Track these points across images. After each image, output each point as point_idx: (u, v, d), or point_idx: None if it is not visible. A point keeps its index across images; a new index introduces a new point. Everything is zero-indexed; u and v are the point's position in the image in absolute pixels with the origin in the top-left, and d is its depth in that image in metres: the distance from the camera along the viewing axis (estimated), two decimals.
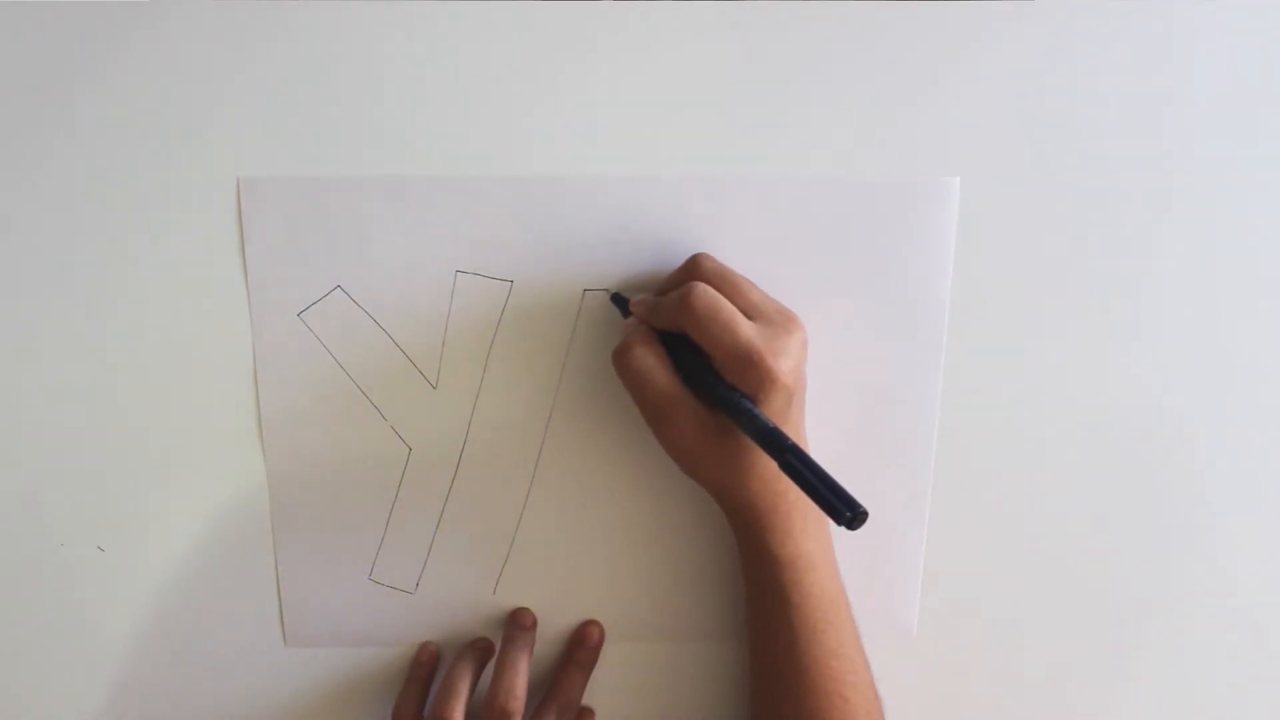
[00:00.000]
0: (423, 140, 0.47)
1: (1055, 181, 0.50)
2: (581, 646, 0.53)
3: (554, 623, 0.54)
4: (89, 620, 0.53)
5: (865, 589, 0.54)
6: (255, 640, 0.53)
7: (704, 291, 0.43)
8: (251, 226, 0.48)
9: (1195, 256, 0.51)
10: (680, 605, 0.54)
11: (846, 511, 0.37)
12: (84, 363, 0.49)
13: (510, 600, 0.53)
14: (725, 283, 0.44)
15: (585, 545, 0.53)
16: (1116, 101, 0.49)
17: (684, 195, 0.49)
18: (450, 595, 0.53)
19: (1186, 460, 0.54)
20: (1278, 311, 0.52)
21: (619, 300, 0.49)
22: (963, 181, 0.49)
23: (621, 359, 0.44)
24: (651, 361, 0.44)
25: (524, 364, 0.50)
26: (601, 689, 0.55)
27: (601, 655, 0.54)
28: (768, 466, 0.42)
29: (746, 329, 0.42)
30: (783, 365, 0.41)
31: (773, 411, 0.42)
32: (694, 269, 0.46)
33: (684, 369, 0.44)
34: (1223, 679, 0.57)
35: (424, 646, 0.54)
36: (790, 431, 0.42)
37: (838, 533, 0.52)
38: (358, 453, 0.51)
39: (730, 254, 0.49)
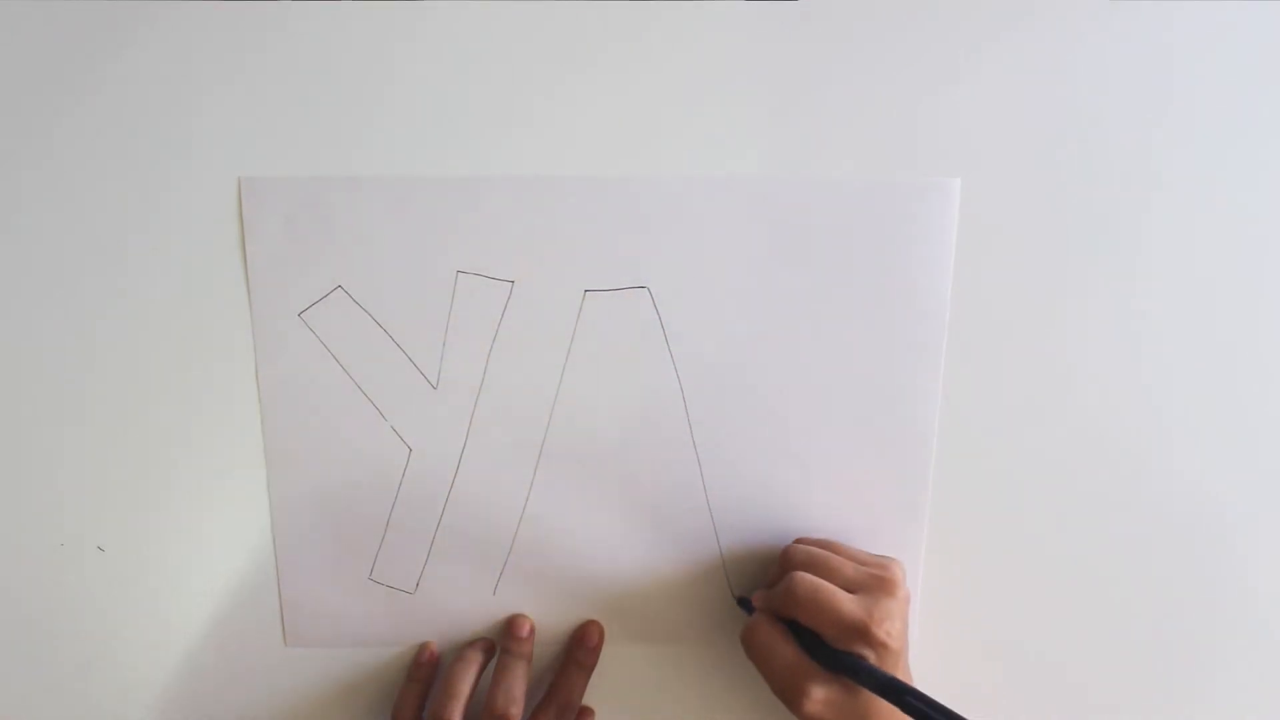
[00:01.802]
0: (423, 140, 0.47)
1: (1055, 181, 0.50)
2: (581, 647, 0.53)
3: (554, 623, 0.54)
4: (89, 620, 0.53)
5: None
6: (255, 640, 0.53)
7: (802, 580, 0.46)
8: (252, 226, 0.48)
9: (1195, 257, 0.51)
10: (680, 606, 0.54)
11: None
12: (84, 363, 0.49)
13: (510, 601, 0.53)
14: (819, 566, 0.48)
15: (585, 545, 0.53)
16: (1116, 102, 0.49)
17: (684, 196, 0.49)
18: (450, 596, 0.53)
19: (1187, 460, 0.54)
20: (1278, 311, 0.52)
21: (744, 603, 0.52)
22: (963, 182, 0.49)
23: (749, 640, 0.48)
24: (776, 639, 0.47)
25: (525, 364, 0.50)
26: (601, 689, 0.55)
27: (601, 655, 0.54)
28: (893, 714, 0.45)
29: (848, 604, 0.45)
30: (890, 629, 0.45)
31: (886, 667, 0.45)
32: (787, 561, 0.49)
33: (805, 643, 0.47)
34: (1223, 678, 0.57)
35: (424, 648, 0.54)
36: (903, 677, 0.46)
37: (836, 536, 0.53)
38: (358, 453, 0.51)
39: (732, 254, 0.49)
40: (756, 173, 0.49)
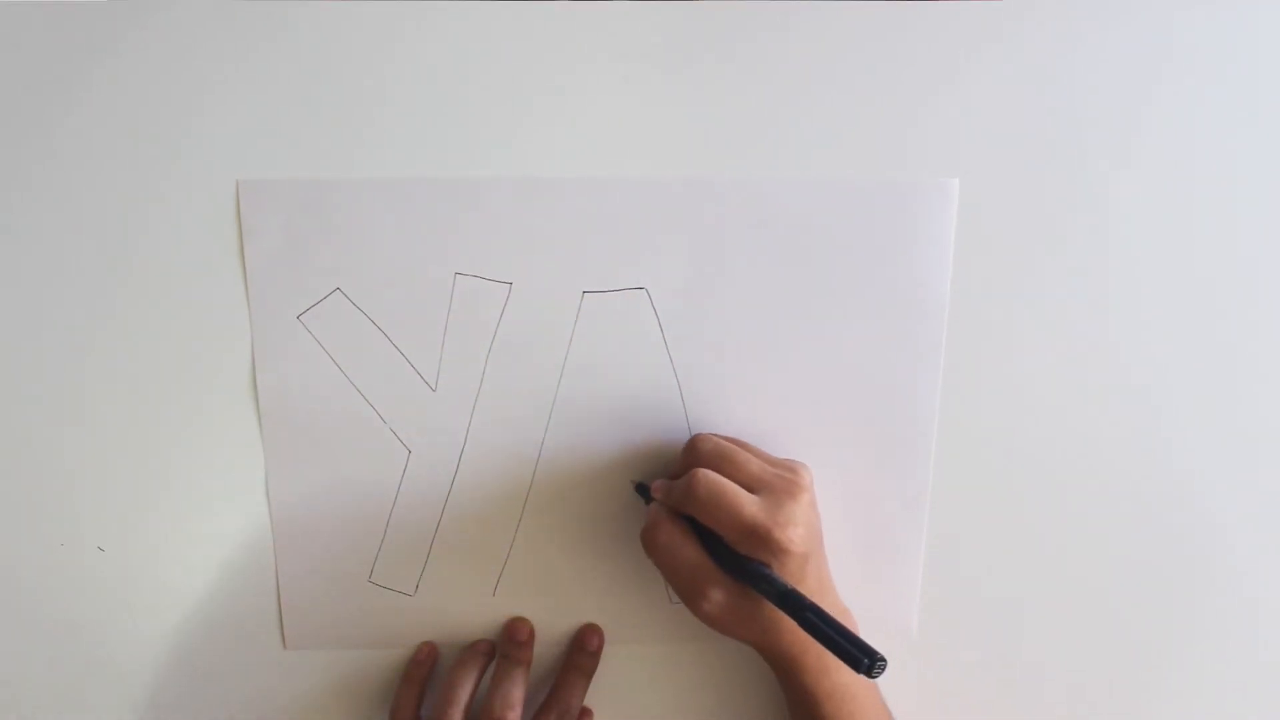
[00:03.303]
0: (422, 142, 0.47)
1: (1055, 182, 0.50)
2: (582, 651, 0.53)
3: (554, 624, 0.54)
4: (89, 620, 0.53)
5: (865, 589, 0.54)
6: (255, 642, 0.53)
7: (704, 478, 0.45)
8: (251, 228, 0.48)
9: (1195, 257, 0.51)
10: (679, 606, 0.54)
11: (865, 660, 0.39)
12: (84, 363, 0.49)
13: (510, 602, 0.53)
14: (725, 461, 0.46)
15: (585, 547, 0.53)
16: (1116, 102, 0.49)
17: (684, 196, 0.48)
18: (450, 597, 0.53)
19: (1186, 459, 0.54)
20: (1278, 311, 0.52)
21: (641, 488, 0.50)
22: (962, 182, 0.49)
23: (649, 540, 0.46)
24: (678, 539, 0.46)
25: (523, 366, 0.50)
26: (601, 689, 0.55)
27: (601, 656, 0.54)
28: (791, 622, 0.44)
29: (750, 507, 0.43)
30: (790, 534, 0.43)
31: (789, 574, 0.43)
32: (693, 453, 0.47)
33: (707, 543, 0.45)
34: (1224, 676, 0.57)
35: (420, 647, 0.54)
36: (810, 585, 0.44)
37: (836, 536, 0.53)
38: (357, 455, 0.51)
39: (731, 254, 0.49)
40: (755, 173, 0.48)
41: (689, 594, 0.45)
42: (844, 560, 0.53)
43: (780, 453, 0.51)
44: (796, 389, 0.51)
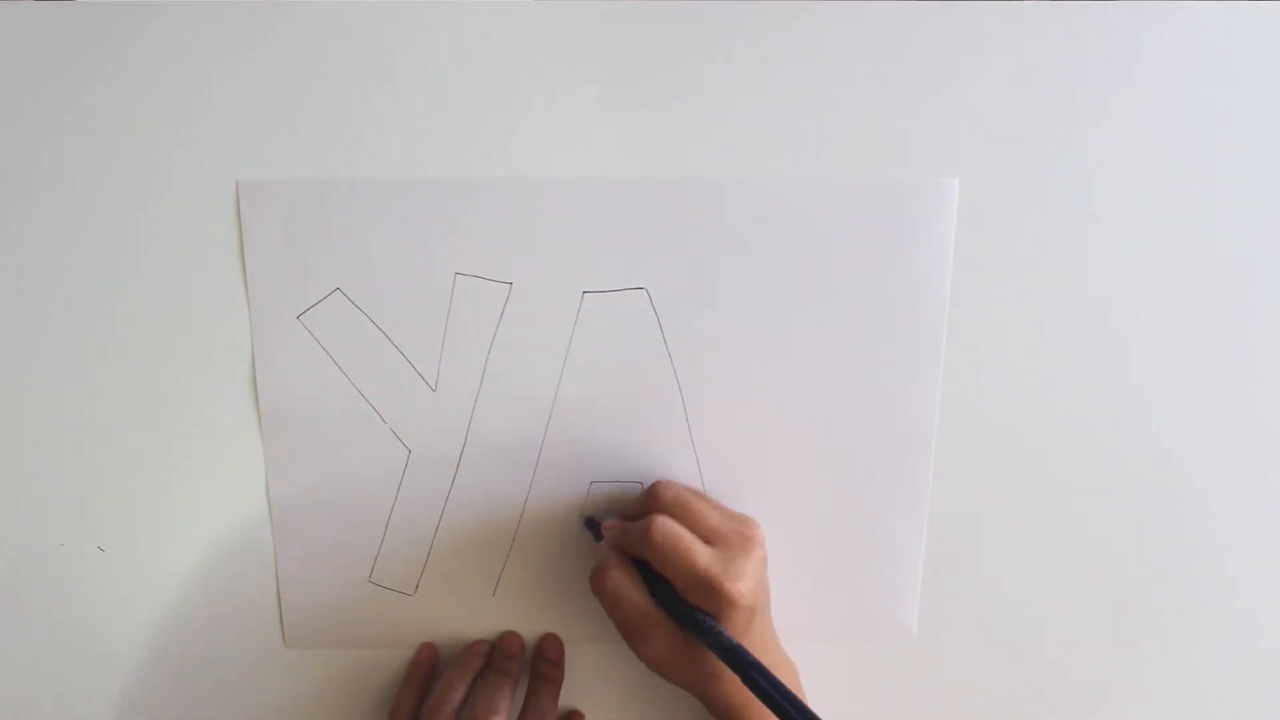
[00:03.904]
0: (422, 142, 0.47)
1: (1055, 182, 0.50)
2: (542, 660, 0.54)
3: (554, 625, 0.54)
4: (89, 620, 0.53)
5: (865, 589, 0.54)
6: (255, 641, 0.53)
7: (662, 525, 0.45)
8: (251, 228, 0.48)
9: (1194, 257, 0.51)
10: None
11: None
12: (84, 363, 0.49)
13: (510, 602, 0.53)
14: (684, 510, 0.47)
15: (585, 547, 0.53)
16: (1115, 103, 0.49)
17: (684, 196, 0.48)
18: (449, 597, 0.53)
19: (1186, 459, 0.54)
20: (1278, 311, 0.52)
21: (591, 524, 0.50)
22: (962, 182, 0.49)
23: (597, 582, 0.47)
24: (625, 584, 0.46)
25: (523, 366, 0.50)
26: (594, 690, 0.55)
27: (594, 656, 0.54)
28: (731, 674, 0.44)
29: (704, 558, 0.44)
30: (740, 588, 0.43)
31: (734, 628, 0.44)
32: (653, 500, 0.48)
33: (654, 588, 0.46)
34: (1224, 676, 0.57)
35: (422, 648, 0.54)
36: (754, 642, 0.45)
37: (836, 537, 0.53)
38: (357, 455, 0.51)
39: (730, 254, 0.49)
40: (755, 173, 0.48)
41: (634, 637, 0.45)
42: (844, 560, 0.54)
43: (780, 452, 0.51)
44: (796, 389, 0.51)
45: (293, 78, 0.46)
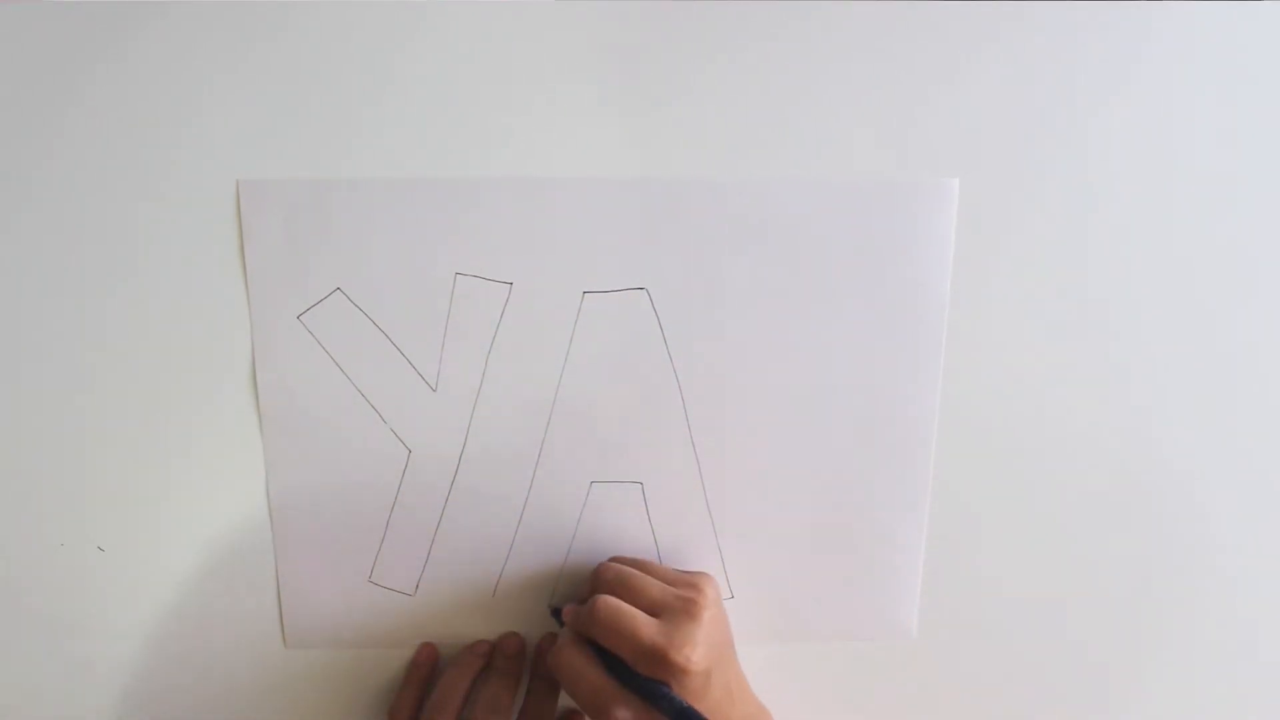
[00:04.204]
0: (422, 142, 0.47)
1: (1055, 182, 0.50)
2: (542, 660, 0.53)
3: (554, 626, 0.54)
4: (89, 620, 0.53)
5: (865, 589, 0.54)
6: (255, 641, 0.53)
7: (604, 605, 0.46)
8: (251, 228, 0.48)
9: (1194, 257, 0.51)
10: None
11: None
12: (84, 363, 0.49)
13: (510, 602, 0.53)
14: (625, 588, 0.48)
15: (584, 547, 0.53)
16: (1115, 103, 0.49)
17: (684, 196, 0.48)
18: (450, 598, 0.53)
19: (1186, 459, 0.54)
20: (1278, 311, 0.52)
21: (556, 613, 0.51)
22: (962, 182, 0.49)
23: (554, 663, 0.47)
24: (580, 662, 0.46)
25: (523, 366, 0.50)
26: None
27: None
28: None
29: (648, 632, 0.45)
30: (688, 654, 0.44)
31: (690, 692, 0.44)
32: (597, 580, 0.49)
33: (612, 664, 0.46)
34: (1224, 676, 0.57)
35: (422, 648, 0.54)
36: (716, 698, 0.45)
37: (836, 537, 0.53)
38: (357, 455, 0.51)
39: (731, 254, 0.49)
40: (755, 173, 0.48)
41: (594, 713, 0.46)
42: (844, 560, 0.54)
43: (780, 452, 0.51)
44: (796, 389, 0.51)
45: (293, 78, 0.46)
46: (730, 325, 0.50)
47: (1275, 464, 0.54)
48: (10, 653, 0.53)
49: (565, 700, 0.54)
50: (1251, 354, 0.53)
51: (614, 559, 0.52)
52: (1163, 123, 0.49)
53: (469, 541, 0.52)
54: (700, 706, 0.44)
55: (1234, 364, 0.53)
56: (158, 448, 0.50)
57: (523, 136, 0.48)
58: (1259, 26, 0.48)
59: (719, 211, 0.49)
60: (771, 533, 0.53)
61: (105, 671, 0.54)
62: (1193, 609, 0.56)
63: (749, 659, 0.51)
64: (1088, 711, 0.57)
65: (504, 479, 0.52)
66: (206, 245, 0.48)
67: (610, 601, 0.46)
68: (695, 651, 0.44)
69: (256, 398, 0.50)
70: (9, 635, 0.53)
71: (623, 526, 0.53)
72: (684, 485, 0.52)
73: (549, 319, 0.50)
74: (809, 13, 0.47)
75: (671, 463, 0.52)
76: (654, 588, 0.48)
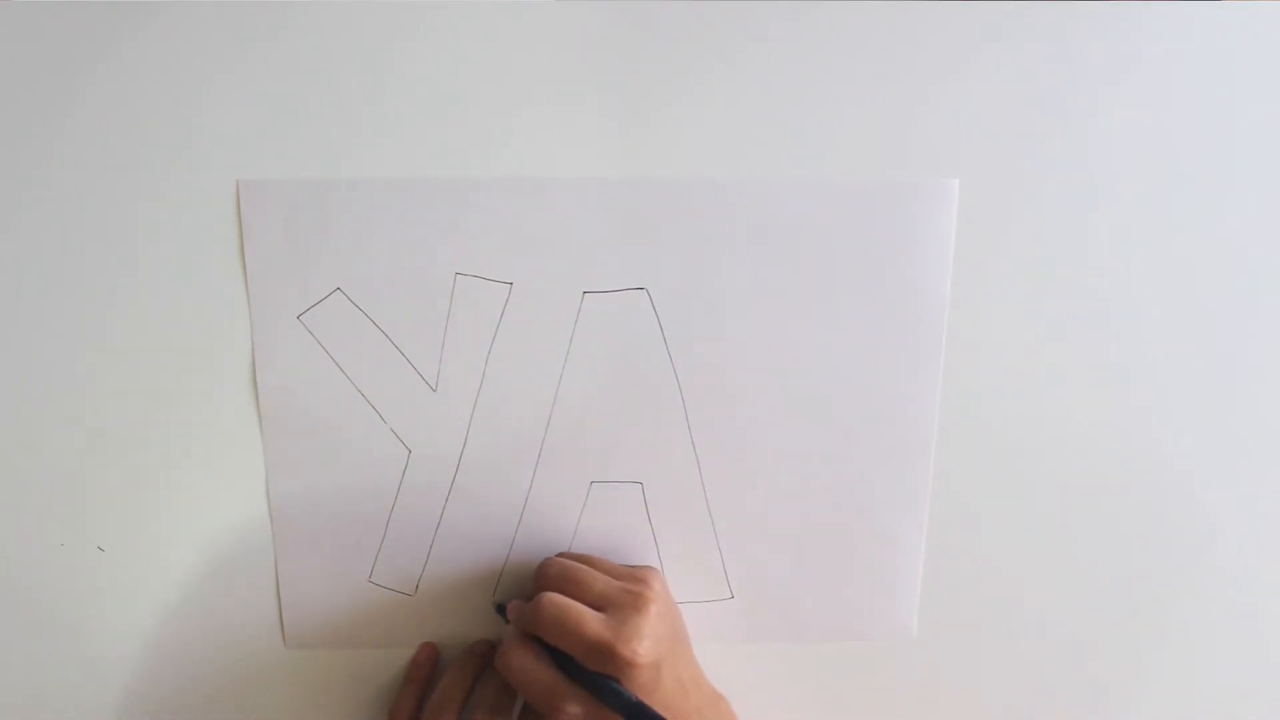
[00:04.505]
0: (422, 142, 0.47)
1: (1055, 183, 0.50)
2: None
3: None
4: (89, 620, 0.53)
5: (865, 589, 0.54)
6: (255, 641, 0.53)
7: (549, 602, 0.46)
8: (251, 228, 0.48)
9: (1194, 257, 0.51)
10: (681, 605, 0.54)
11: None
12: (84, 363, 0.49)
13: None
14: (570, 583, 0.47)
15: (584, 548, 0.53)
16: (1115, 103, 0.49)
17: (684, 196, 0.48)
18: (450, 598, 0.53)
19: (1186, 459, 0.54)
20: (1278, 311, 0.52)
21: (500, 609, 0.50)
22: (962, 183, 0.49)
23: (503, 663, 0.47)
24: (529, 662, 0.46)
25: (523, 366, 0.50)
26: None
27: None
28: None
29: (593, 626, 0.45)
30: (635, 648, 0.44)
31: (640, 685, 0.44)
32: (541, 578, 0.49)
33: (562, 661, 0.46)
34: (1226, 676, 0.57)
35: (422, 648, 0.54)
36: (668, 689, 0.45)
37: (836, 537, 0.53)
38: (357, 455, 0.51)
39: (731, 254, 0.49)
40: (755, 173, 0.48)
41: (547, 711, 0.46)
42: (844, 560, 0.54)
43: (780, 452, 0.51)
44: (796, 389, 0.51)
45: (293, 78, 0.46)
46: (730, 325, 0.50)
47: (1275, 464, 0.54)
48: (10, 653, 0.53)
49: None
50: (1251, 354, 0.53)
51: (560, 555, 0.52)
52: (1162, 123, 0.49)
53: (469, 541, 0.52)
54: (651, 700, 0.44)
55: (1234, 364, 0.53)
56: (158, 448, 0.50)
57: (523, 136, 0.48)
58: (1258, 26, 0.48)
59: (719, 211, 0.49)
60: (771, 533, 0.53)
61: (105, 671, 0.53)
62: (1193, 609, 0.56)
63: (749, 659, 0.51)
64: (1088, 711, 0.57)
65: (504, 479, 0.52)
66: (206, 245, 0.48)
67: (555, 598, 0.46)
68: (642, 645, 0.44)
69: (256, 398, 0.50)
70: (9, 635, 0.53)
71: (623, 526, 0.53)
72: (684, 485, 0.52)
73: (549, 319, 0.50)
74: (809, 13, 0.47)
75: (671, 463, 0.52)
76: (599, 582, 0.47)
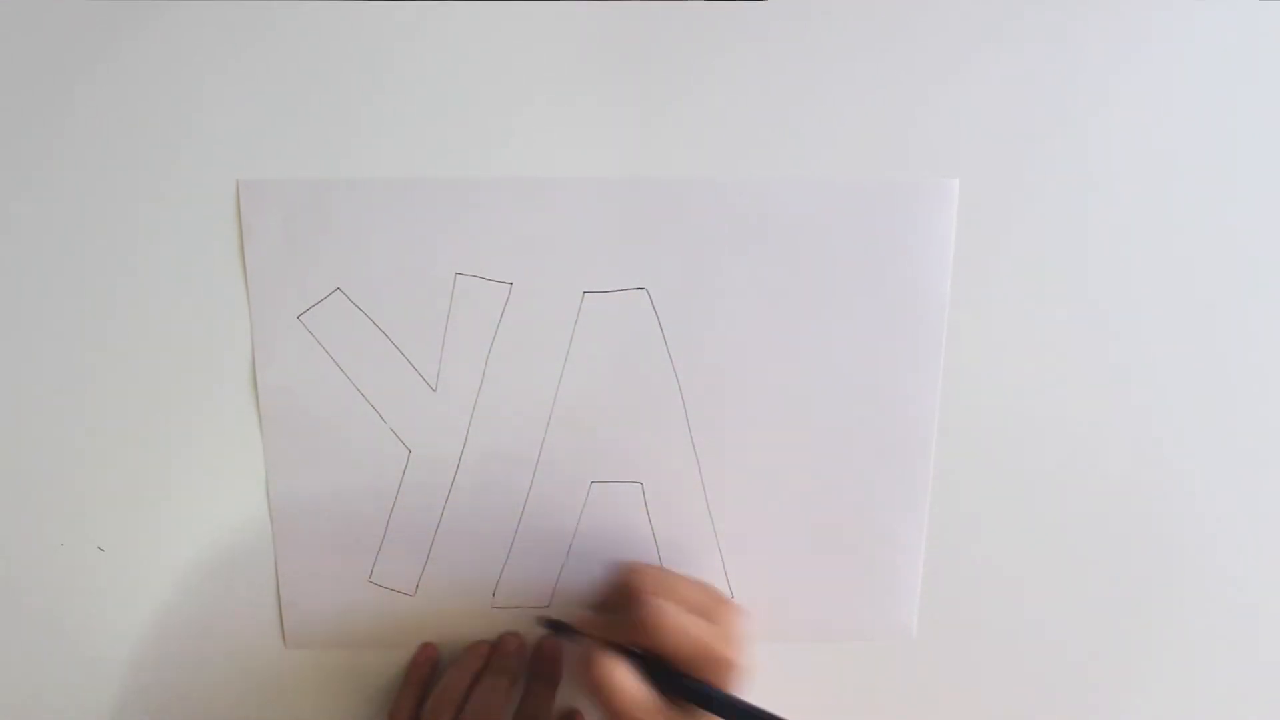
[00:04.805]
0: (422, 142, 0.47)
1: (1055, 183, 0.50)
2: (541, 660, 0.53)
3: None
4: (89, 620, 0.53)
5: (865, 589, 0.54)
6: (255, 641, 0.53)
7: (665, 610, 0.44)
8: (251, 228, 0.48)
9: (1194, 257, 0.51)
10: None
11: None
12: (84, 363, 0.49)
13: (510, 603, 0.53)
14: (666, 590, 0.46)
15: (584, 548, 0.53)
16: (1115, 102, 0.49)
17: (684, 196, 0.48)
18: (450, 598, 0.53)
19: (1186, 460, 0.54)
20: (1278, 310, 0.52)
21: (554, 624, 0.50)
22: (962, 183, 0.49)
23: (598, 679, 0.44)
24: (627, 677, 0.44)
25: (523, 366, 0.50)
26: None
27: None
28: None
29: (705, 634, 0.44)
30: (739, 650, 0.44)
31: (736, 689, 0.44)
32: (636, 583, 0.46)
33: (644, 672, 0.44)
34: (1225, 677, 0.57)
35: (422, 648, 0.54)
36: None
37: (836, 537, 0.53)
38: (357, 455, 0.51)
39: (731, 254, 0.49)
40: (755, 173, 0.48)
41: None
42: (844, 560, 0.54)
43: (781, 452, 0.51)
44: (796, 389, 0.51)
45: (293, 78, 0.46)
46: (730, 325, 0.50)
47: (1275, 464, 0.54)
48: (10, 653, 0.53)
49: (562, 699, 0.54)
50: (1251, 354, 0.53)
51: (623, 562, 0.50)
52: (1163, 122, 0.49)
53: (469, 541, 0.52)
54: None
55: (1234, 364, 0.53)
56: (158, 448, 0.51)
57: (523, 136, 0.48)
58: (1258, 26, 0.48)
59: (719, 211, 0.49)
60: (771, 533, 0.53)
61: (105, 671, 0.53)
62: (1193, 609, 0.56)
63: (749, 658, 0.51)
64: (1088, 711, 0.57)
65: (504, 479, 0.52)
66: (206, 245, 0.48)
67: (670, 606, 0.44)
68: (745, 648, 0.44)
69: (256, 398, 0.50)
70: (9, 635, 0.53)
71: (623, 527, 0.53)
72: (684, 485, 0.52)
73: (549, 319, 0.50)
74: (809, 13, 0.47)
75: (671, 463, 0.52)
76: (693, 588, 0.47)
